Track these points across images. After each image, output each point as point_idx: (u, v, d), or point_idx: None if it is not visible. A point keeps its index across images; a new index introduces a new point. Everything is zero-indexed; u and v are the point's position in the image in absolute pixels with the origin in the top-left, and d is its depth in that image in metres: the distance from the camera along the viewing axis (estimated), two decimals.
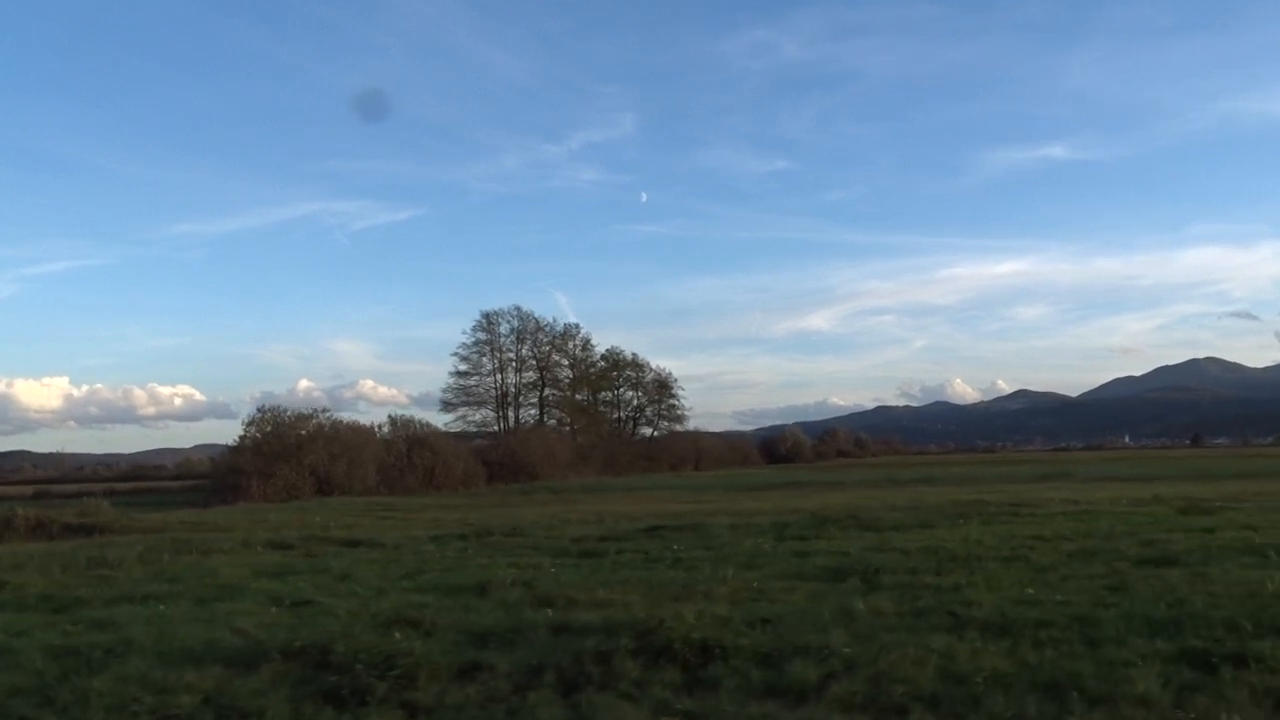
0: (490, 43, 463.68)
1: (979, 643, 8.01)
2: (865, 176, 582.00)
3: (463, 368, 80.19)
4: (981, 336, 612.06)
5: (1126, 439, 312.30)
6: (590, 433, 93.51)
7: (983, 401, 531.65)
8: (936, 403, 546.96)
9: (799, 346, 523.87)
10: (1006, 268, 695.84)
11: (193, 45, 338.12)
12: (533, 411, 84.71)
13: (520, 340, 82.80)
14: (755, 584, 11.71)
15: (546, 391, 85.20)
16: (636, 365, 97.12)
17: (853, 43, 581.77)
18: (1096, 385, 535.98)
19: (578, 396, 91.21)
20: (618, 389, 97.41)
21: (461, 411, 79.97)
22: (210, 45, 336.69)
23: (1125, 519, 19.98)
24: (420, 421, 63.80)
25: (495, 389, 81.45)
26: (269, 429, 52.95)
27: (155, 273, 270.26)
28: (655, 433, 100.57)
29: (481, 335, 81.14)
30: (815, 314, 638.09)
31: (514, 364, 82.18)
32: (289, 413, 54.43)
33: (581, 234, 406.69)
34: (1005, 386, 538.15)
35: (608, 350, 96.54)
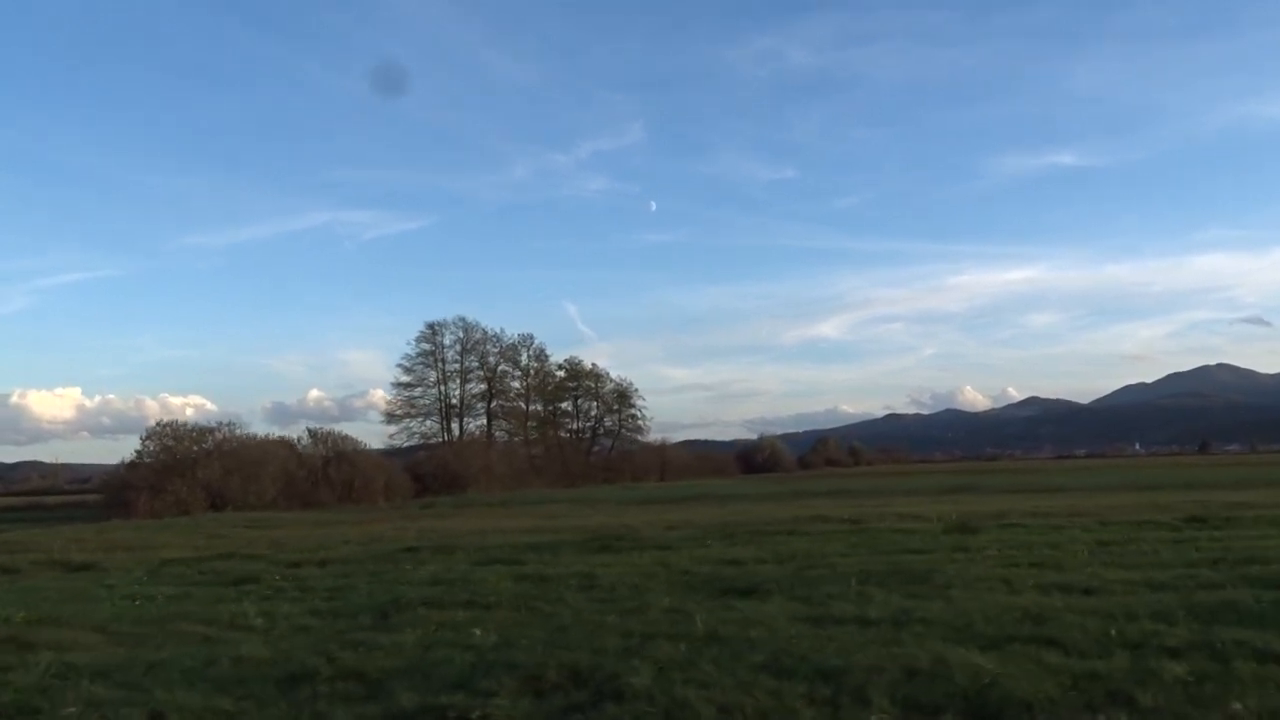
0: (498, 51, 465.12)
1: None
2: (873, 183, 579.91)
3: (406, 379, 78.69)
4: (992, 344, 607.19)
5: (1137, 446, 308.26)
6: (546, 444, 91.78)
7: (993, 409, 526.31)
8: (947, 410, 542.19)
9: (808, 354, 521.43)
10: (1016, 274, 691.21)
11: (202, 55, 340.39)
12: (480, 423, 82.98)
13: (466, 351, 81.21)
14: None
15: (495, 403, 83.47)
16: (595, 376, 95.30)
17: (859, 49, 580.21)
18: (1108, 392, 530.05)
19: (531, 407, 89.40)
20: (577, 400, 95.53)
21: (406, 424, 78.39)
22: (219, 55, 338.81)
23: (882, 537, 18.82)
24: (341, 434, 62.15)
25: (440, 400, 79.79)
26: (168, 443, 51.60)
27: (166, 283, 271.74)
28: (614, 444, 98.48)
29: (426, 346, 79.68)
30: (824, 322, 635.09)
31: (459, 375, 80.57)
32: (189, 427, 53.05)
33: (590, 243, 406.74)
34: (1016, 394, 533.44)
35: (566, 360, 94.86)
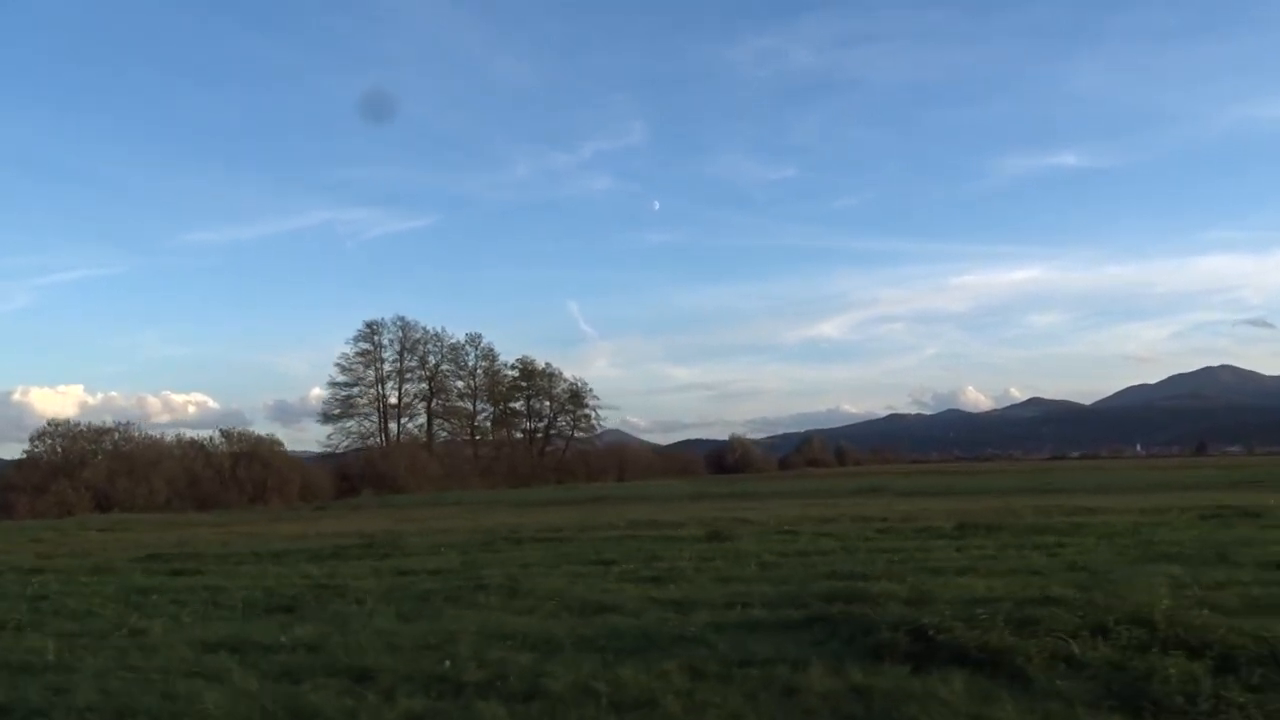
0: (500, 51, 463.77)
1: None
2: (874, 183, 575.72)
3: (341, 379, 77.27)
4: (994, 344, 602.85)
5: (1138, 447, 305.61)
6: (497, 445, 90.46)
7: (995, 409, 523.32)
8: (949, 410, 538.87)
9: (810, 354, 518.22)
10: (1019, 275, 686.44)
11: (203, 54, 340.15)
12: (421, 423, 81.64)
13: (406, 351, 79.81)
14: None
15: (436, 403, 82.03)
16: (548, 375, 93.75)
17: (860, 49, 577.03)
18: (1110, 393, 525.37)
19: (480, 407, 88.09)
20: (530, 399, 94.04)
21: (343, 424, 77.00)
22: (221, 54, 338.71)
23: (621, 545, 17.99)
24: (255, 434, 60.88)
25: (378, 400, 78.46)
26: (59, 444, 50.50)
27: (169, 281, 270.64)
28: (568, 444, 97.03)
29: (364, 345, 78.27)
30: (826, 321, 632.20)
31: (397, 375, 79.17)
32: (82, 428, 51.86)
33: (592, 242, 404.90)
34: (1018, 394, 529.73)
35: (518, 360, 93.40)
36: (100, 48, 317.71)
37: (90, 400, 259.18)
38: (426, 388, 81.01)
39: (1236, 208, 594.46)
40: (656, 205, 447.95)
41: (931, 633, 7.85)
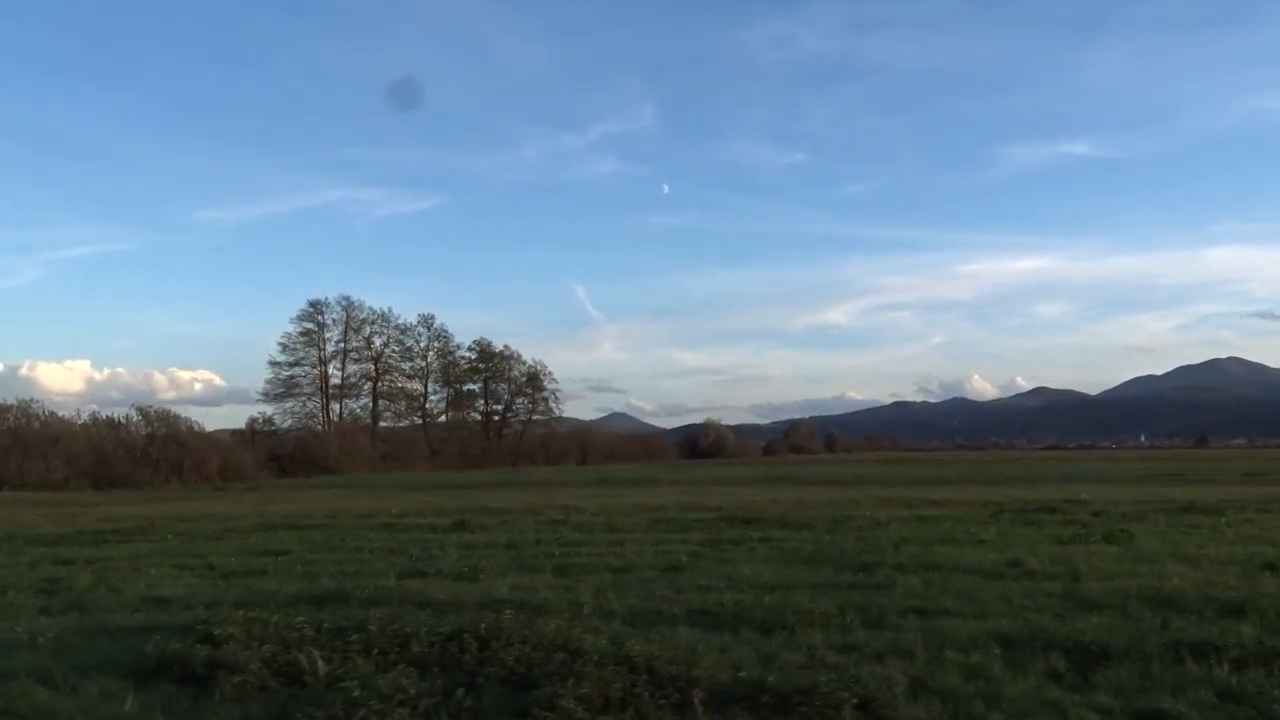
0: (511, 33, 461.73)
1: None
2: (884, 171, 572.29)
3: (282, 358, 75.51)
4: (1000, 333, 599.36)
5: (1142, 438, 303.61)
6: (451, 427, 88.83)
7: (1001, 398, 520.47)
8: (954, 399, 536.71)
9: (817, 340, 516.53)
10: (1026, 264, 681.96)
11: (218, 32, 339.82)
12: (366, 404, 79.88)
13: (351, 331, 78.02)
14: None
15: (382, 384, 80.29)
16: (505, 357, 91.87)
17: (873, 36, 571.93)
18: (1116, 384, 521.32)
19: (432, 389, 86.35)
20: (487, 382, 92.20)
21: (286, 404, 75.32)
22: (235, 32, 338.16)
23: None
24: (173, 413, 59.30)
25: (320, 381, 76.68)
26: None
27: (178, 258, 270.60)
28: (525, 427, 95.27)
29: (307, 325, 76.47)
30: (833, 308, 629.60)
31: (340, 355, 77.40)
32: None
33: (600, 225, 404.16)
34: (1024, 383, 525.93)
35: (476, 341, 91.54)
36: (113, 24, 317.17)
37: (97, 375, 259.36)
38: (372, 368, 79.27)
39: (1246, 200, 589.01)
40: (666, 189, 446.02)
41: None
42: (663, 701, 6.31)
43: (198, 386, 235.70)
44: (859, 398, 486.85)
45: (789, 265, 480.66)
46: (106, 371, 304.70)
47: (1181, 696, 6.40)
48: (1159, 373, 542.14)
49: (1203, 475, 49.62)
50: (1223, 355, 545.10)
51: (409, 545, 15.83)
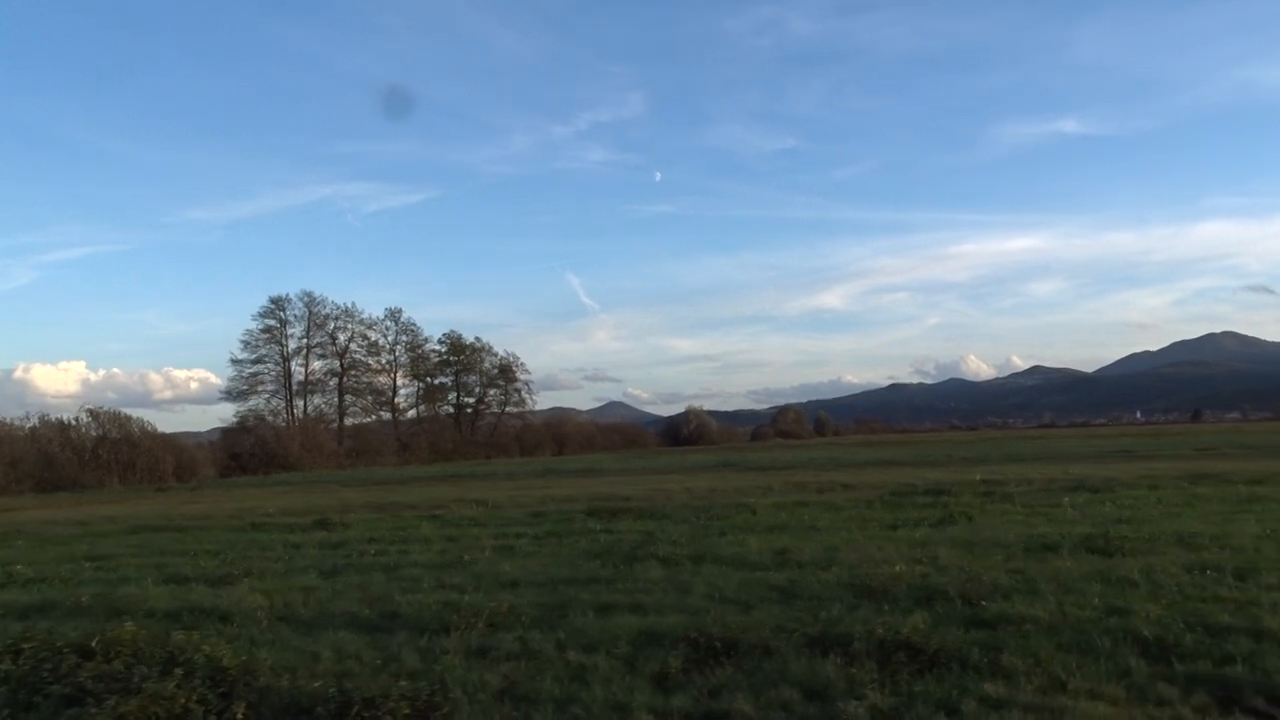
0: (496, 23, 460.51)
1: None
2: (874, 153, 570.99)
3: (243, 355, 75.13)
4: (995, 313, 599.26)
5: (1138, 415, 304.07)
6: (421, 421, 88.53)
7: (997, 378, 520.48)
8: (951, 379, 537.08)
9: (812, 325, 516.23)
10: (1019, 243, 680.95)
11: (205, 31, 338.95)
12: (332, 399, 79.54)
13: (315, 327, 77.60)
14: None
15: (348, 380, 79.94)
16: (476, 350, 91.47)
17: (860, 17, 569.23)
18: (1112, 361, 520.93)
19: (401, 383, 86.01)
20: (458, 375, 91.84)
21: (249, 402, 74.95)
22: (222, 31, 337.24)
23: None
24: (125, 414, 58.90)
25: (284, 378, 76.30)
26: None
27: (171, 257, 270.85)
28: (499, 419, 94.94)
29: (269, 321, 76.05)
30: (828, 292, 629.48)
31: (304, 352, 77.01)
32: None
33: (592, 215, 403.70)
34: (1020, 363, 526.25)
35: (446, 334, 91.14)
36: (102, 25, 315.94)
37: (92, 377, 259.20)
38: (337, 364, 78.92)
39: (1237, 174, 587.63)
40: (658, 176, 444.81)
41: None
42: (212, 716, 5.99)
43: (194, 385, 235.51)
44: (855, 381, 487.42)
45: (782, 250, 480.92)
46: (102, 373, 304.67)
47: (763, 695, 6.07)
48: (1155, 349, 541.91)
49: (1151, 451, 49.38)
50: (1218, 330, 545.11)
51: (246, 546, 15.56)
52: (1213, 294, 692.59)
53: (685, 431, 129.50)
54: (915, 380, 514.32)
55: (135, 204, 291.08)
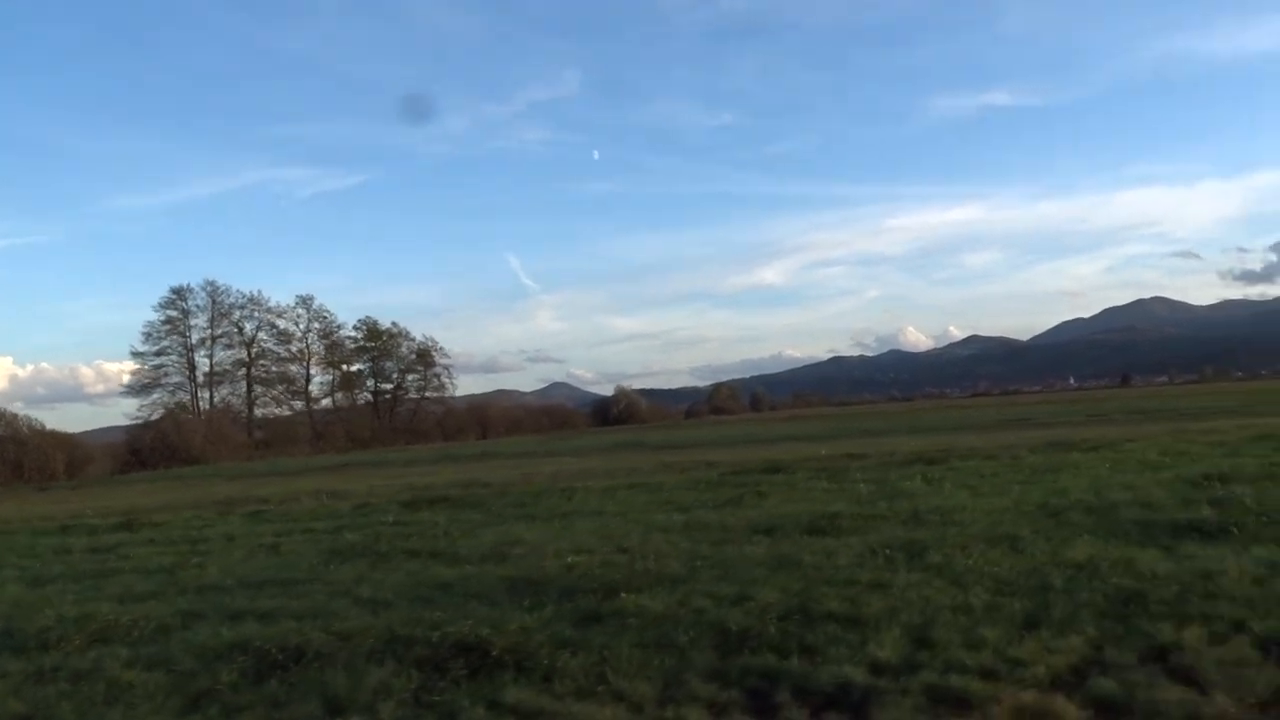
0: (430, 2, 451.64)
1: None
2: (812, 127, 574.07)
3: (144, 348, 73.03)
4: (933, 284, 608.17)
5: (1071, 381, 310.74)
6: (336, 410, 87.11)
7: (935, 348, 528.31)
8: (890, 351, 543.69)
9: (752, 300, 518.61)
10: (955, 215, 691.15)
11: (130, 13, 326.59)
12: (241, 390, 77.88)
13: (220, 316, 75.70)
14: None
15: (256, 370, 78.25)
16: (393, 335, 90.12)
17: None
18: (1046, 329, 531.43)
19: (314, 371, 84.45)
20: (376, 361, 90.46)
21: (153, 396, 72.91)
22: (147, 12, 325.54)
23: None
24: (11, 413, 57.07)
25: (187, 370, 74.43)
26: None
27: (99, 246, 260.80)
28: (418, 405, 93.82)
29: (171, 313, 73.98)
30: (767, 267, 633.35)
31: (209, 342, 75.13)
32: None
33: (531, 194, 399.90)
34: (957, 333, 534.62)
35: (362, 320, 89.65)
36: (19, 6, 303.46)
37: (19, 372, 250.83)
38: (245, 354, 77.18)
39: (1162, 142, 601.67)
40: (596, 154, 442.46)
41: None
42: None
43: (127, 378, 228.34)
44: (797, 355, 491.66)
45: (721, 226, 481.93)
46: (30, 368, 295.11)
47: (284, 711, 5.72)
48: (1087, 315, 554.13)
49: (1048, 419, 50.22)
50: (1147, 296, 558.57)
51: (23, 552, 14.90)
52: (1141, 261, 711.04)
53: (615, 411, 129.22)
54: (856, 353, 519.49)
55: (60, 193, 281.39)
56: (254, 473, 49.16)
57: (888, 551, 9.07)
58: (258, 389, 77.93)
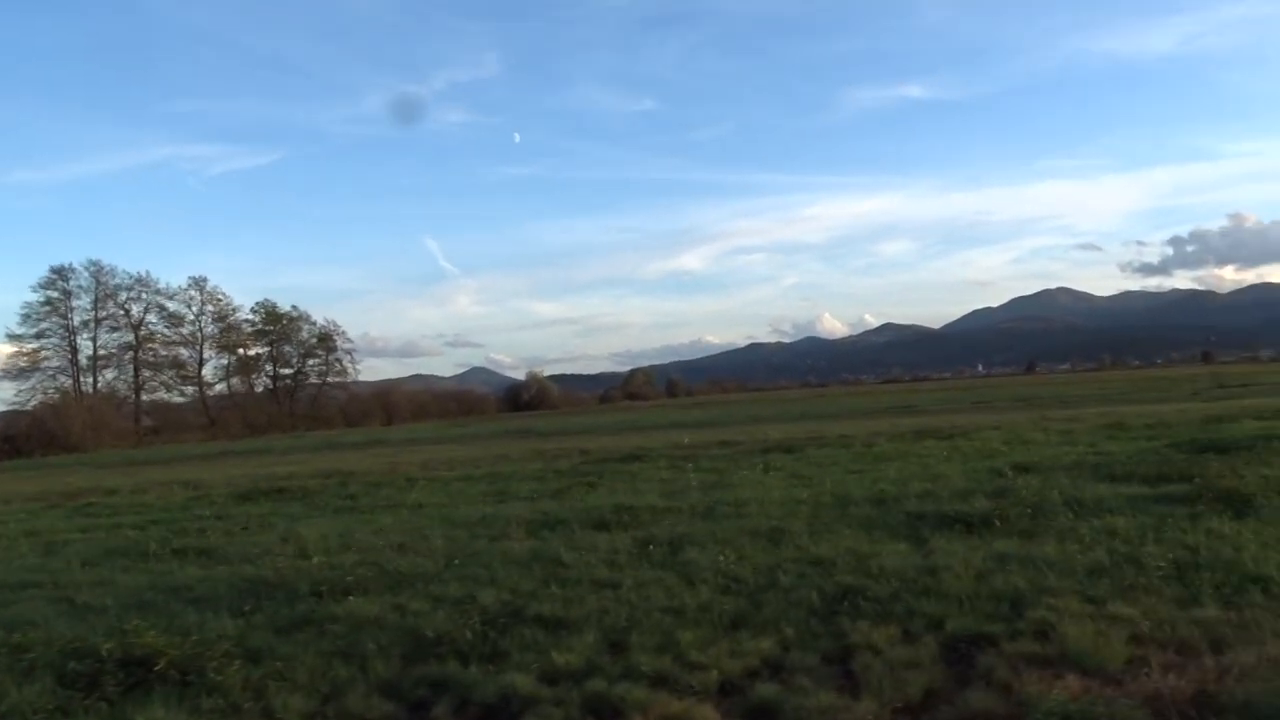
0: None
1: None
2: (731, 115, 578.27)
3: (21, 330, 69.65)
4: (849, 272, 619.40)
5: (979, 368, 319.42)
6: (231, 396, 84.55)
7: (850, 336, 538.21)
8: (807, 338, 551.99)
9: (672, 287, 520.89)
10: (871, 204, 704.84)
11: None
12: (127, 374, 74.93)
13: (103, 299, 72.59)
14: None
15: (144, 353, 75.32)
16: (293, 318, 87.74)
17: None
18: (957, 317, 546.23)
19: (208, 356, 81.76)
20: (274, 345, 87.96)
21: (33, 380, 69.58)
22: None
23: None
24: None
25: (69, 353, 71.27)
26: None
27: None
28: (319, 391, 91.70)
29: (51, 294, 70.64)
30: (687, 253, 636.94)
31: (92, 324, 72.00)
32: None
33: (450, 176, 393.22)
34: (872, 320, 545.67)
35: (259, 303, 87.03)
36: None
37: None
38: (132, 338, 74.21)
39: (1069, 138, 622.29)
40: (517, 137, 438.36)
41: None
42: None
43: (2, 362, 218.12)
44: (716, 341, 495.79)
45: (642, 212, 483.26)
46: None
47: None
48: (996, 305, 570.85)
49: (933, 406, 51.26)
50: (1053, 286, 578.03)
51: None
52: (1048, 252, 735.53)
53: (526, 397, 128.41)
54: (774, 340, 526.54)
55: None
56: (132, 461, 47.38)
57: (650, 548, 8.89)
58: (146, 374, 75.06)
